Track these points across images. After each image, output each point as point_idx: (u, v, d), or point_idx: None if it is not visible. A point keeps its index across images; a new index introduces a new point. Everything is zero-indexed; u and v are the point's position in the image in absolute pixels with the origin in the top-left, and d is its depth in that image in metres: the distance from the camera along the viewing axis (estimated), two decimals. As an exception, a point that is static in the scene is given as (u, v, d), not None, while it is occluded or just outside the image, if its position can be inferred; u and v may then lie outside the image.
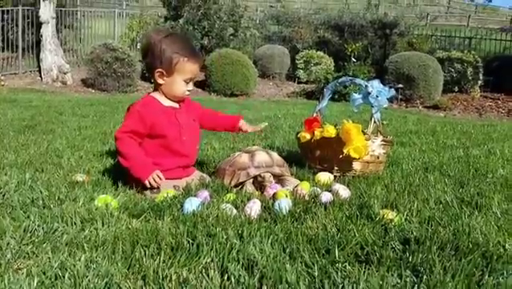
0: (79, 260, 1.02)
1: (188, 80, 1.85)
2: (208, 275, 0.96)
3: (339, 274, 0.96)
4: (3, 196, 1.64)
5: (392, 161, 2.49)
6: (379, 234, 1.23)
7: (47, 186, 1.77)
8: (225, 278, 0.95)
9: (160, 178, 1.75)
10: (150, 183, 1.73)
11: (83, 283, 0.91)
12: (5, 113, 4.89)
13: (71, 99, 7.56)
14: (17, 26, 10.87)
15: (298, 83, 11.00)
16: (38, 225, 1.29)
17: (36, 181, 1.87)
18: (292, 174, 2.04)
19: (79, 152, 2.69)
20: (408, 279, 0.95)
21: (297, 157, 2.37)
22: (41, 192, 1.68)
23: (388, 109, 8.59)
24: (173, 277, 0.95)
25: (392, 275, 0.97)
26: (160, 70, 1.80)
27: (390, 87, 2.23)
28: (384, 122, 5.29)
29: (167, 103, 1.88)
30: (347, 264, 1.02)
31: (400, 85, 9.70)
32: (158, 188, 1.73)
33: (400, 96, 9.77)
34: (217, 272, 0.98)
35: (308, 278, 0.94)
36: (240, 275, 0.95)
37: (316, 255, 1.07)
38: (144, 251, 1.07)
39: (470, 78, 10.77)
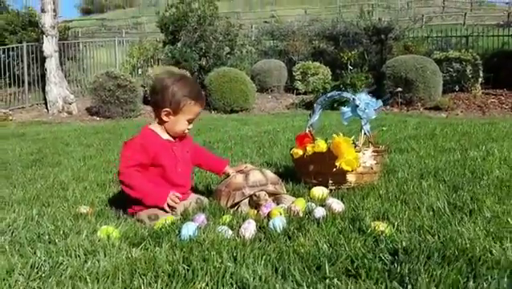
0: (81, 292, 1.08)
1: (190, 120, 1.98)
2: (203, 300, 1.02)
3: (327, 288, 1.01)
4: (12, 233, 1.71)
5: (388, 169, 2.53)
6: (369, 247, 1.27)
7: (53, 220, 1.84)
8: (219, 300, 1.00)
9: (178, 197, 1.86)
10: (169, 205, 1.84)
11: (84, 316, 0.97)
12: (13, 148, 5.00)
13: (77, 128, 7.70)
14: (22, 61, 11.20)
15: (297, 94, 11.11)
16: (45, 261, 1.35)
17: (43, 216, 1.95)
18: (288, 190, 2.10)
19: (83, 184, 2.77)
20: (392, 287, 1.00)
21: (293, 173, 2.42)
22: (47, 226, 1.75)
23: (388, 114, 8.66)
24: (170, 303, 1.00)
25: (379, 287, 1.01)
26: (167, 109, 1.92)
27: (384, 98, 2.29)
28: (384, 128, 5.33)
29: (165, 136, 1.99)
30: (336, 279, 1.07)
31: (399, 89, 9.76)
32: (173, 209, 1.83)
33: (400, 100, 9.81)
34: (211, 296, 1.04)
35: (297, 296, 0.99)
36: (232, 297, 1.00)
37: (307, 272, 1.12)
38: (143, 280, 1.13)
39: (470, 76, 10.78)
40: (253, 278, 1.08)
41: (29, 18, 12.60)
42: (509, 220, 1.41)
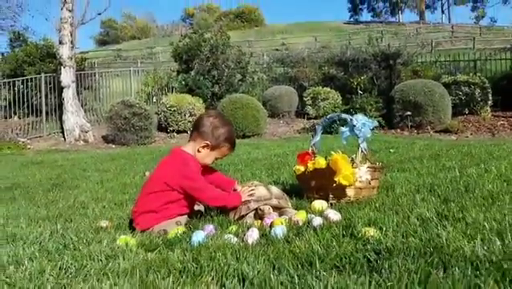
0: (105, 284, 1.26)
1: (218, 158, 2.29)
2: (208, 289, 1.19)
3: (315, 279, 1.17)
4: (40, 243, 1.91)
5: (387, 186, 2.68)
6: (357, 248, 1.43)
7: (76, 233, 2.04)
8: (223, 289, 1.18)
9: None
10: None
11: (108, 301, 1.15)
12: (33, 174, 5.26)
13: (94, 155, 7.97)
14: (40, 91, 11.62)
15: (308, 119, 11.34)
16: (71, 264, 1.54)
17: (66, 230, 2.14)
18: (292, 205, 2.26)
19: (102, 203, 2.97)
20: (373, 279, 1.15)
21: (298, 189, 2.59)
22: (71, 238, 1.94)
23: (398, 137, 8.78)
24: (180, 292, 1.17)
25: (360, 277, 1.17)
26: (208, 143, 2.19)
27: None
28: (391, 150, 5.47)
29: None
30: (323, 272, 1.22)
31: (409, 112, 9.90)
32: (165, 230, 2.00)
33: (410, 124, 9.94)
34: (216, 286, 1.21)
35: (288, 284, 1.15)
36: (234, 286, 1.17)
37: (299, 267, 1.28)
38: (157, 275, 1.30)
39: (479, 99, 10.90)
40: (252, 272, 1.25)
41: (47, 49, 13.08)
42: (486, 224, 1.55)
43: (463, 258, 1.23)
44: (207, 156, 2.23)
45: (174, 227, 1.94)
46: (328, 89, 11.75)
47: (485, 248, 1.28)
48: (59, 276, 1.44)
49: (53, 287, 1.32)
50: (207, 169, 2.41)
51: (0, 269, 1.53)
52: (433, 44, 21.79)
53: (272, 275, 1.20)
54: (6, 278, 1.44)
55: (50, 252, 1.74)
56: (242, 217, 2.05)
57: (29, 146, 10.29)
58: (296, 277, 1.19)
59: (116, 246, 1.73)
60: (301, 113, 11.92)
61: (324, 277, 1.16)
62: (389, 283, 1.08)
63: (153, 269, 1.37)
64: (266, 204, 2.04)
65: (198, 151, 2.21)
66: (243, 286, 1.18)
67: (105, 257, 1.59)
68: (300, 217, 1.92)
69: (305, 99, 11.74)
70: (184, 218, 2.08)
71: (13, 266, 1.56)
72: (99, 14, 13.39)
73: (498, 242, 1.33)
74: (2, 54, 19.93)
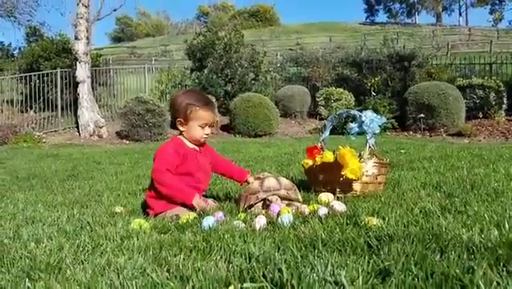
0: (121, 258, 1.34)
1: (203, 125, 2.20)
2: (217, 265, 1.26)
3: (317, 258, 1.24)
4: (58, 225, 2.01)
5: (394, 183, 2.73)
6: (359, 234, 1.49)
7: (92, 217, 2.14)
8: (230, 266, 1.25)
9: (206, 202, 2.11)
10: (197, 206, 2.05)
11: (123, 272, 1.23)
12: (49, 166, 5.42)
13: (107, 150, 8.13)
14: (55, 86, 11.83)
15: (320, 119, 11.35)
16: (88, 243, 1.63)
17: (83, 214, 2.24)
18: (301, 197, 2.32)
19: (116, 192, 3.07)
20: (372, 259, 1.22)
21: (306, 183, 2.66)
22: (87, 221, 2.04)
23: (410, 139, 8.76)
24: (191, 268, 1.25)
25: (360, 259, 1.24)
26: (179, 119, 2.20)
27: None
28: (402, 150, 5.50)
29: (191, 145, 2.26)
30: (326, 253, 1.29)
31: (422, 115, 9.87)
32: (177, 215, 2.06)
33: (422, 126, 9.90)
34: (224, 263, 1.28)
35: (292, 262, 1.22)
36: (241, 263, 1.25)
37: (303, 248, 1.35)
38: (169, 252, 1.39)
39: (493, 103, 10.82)
40: (258, 252, 1.32)
41: (62, 44, 13.28)
42: (486, 216, 1.60)
43: (460, 245, 1.28)
44: (190, 130, 2.17)
45: (186, 213, 2.02)
46: (341, 90, 11.76)
47: (483, 236, 1.33)
48: (77, 253, 1.53)
49: (72, 262, 1.41)
50: (220, 160, 2.47)
51: (22, 244, 1.64)
52: (449, 46, 21.60)
53: (277, 254, 1.28)
54: (28, 253, 1.54)
55: (67, 232, 1.84)
56: (251, 206, 2.12)
57: (44, 140, 10.50)
58: (299, 256, 1.26)
59: (131, 228, 1.81)
60: (313, 113, 11.96)
61: (326, 257, 1.23)
62: (386, 263, 1.14)
63: (166, 247, 1.45)
64: (274, 194, 2.11)
65: (181, 131, 2.21)
66: (249, 263, 1.25)
67: (120, 237, 1.67)
68: (308, 207, 1.98)
69: (318, 99, 11.77)
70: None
71: (33, 243, 1.66)
72: (115, 10, 13.62)
73: (496, 232, 1.38)
74: (19, 48, 20.36)
